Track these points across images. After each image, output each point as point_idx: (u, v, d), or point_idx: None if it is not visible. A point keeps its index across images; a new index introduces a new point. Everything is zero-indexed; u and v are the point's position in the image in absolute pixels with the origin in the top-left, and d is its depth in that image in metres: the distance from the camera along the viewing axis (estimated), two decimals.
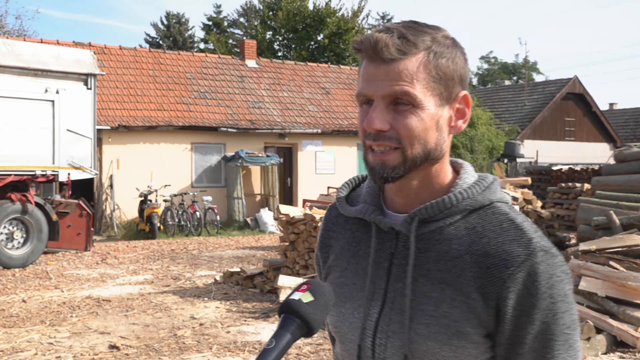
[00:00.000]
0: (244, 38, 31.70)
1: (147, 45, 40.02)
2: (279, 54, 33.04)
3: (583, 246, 7.44)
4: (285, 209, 9.33)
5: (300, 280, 7.68)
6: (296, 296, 1.08)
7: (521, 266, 1.14)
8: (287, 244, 8.91)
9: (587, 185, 13.80)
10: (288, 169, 20.84)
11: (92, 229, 12.99)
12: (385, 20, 45.28)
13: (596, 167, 17.34)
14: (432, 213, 1.21)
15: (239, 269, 9.48)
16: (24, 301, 8.48)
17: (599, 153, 32.62)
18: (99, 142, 16.43)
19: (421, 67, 1.16)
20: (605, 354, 5.85)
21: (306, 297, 1.08)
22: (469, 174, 1.26)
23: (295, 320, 1.06)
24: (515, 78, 55.60)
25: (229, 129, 19.20)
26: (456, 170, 1.29)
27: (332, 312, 1.30)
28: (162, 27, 41.94)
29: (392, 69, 1.15)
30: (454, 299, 1.17)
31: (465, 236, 1.20)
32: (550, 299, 1.15)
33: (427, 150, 1.19)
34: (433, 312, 1.18)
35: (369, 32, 1.19)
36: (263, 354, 1.03)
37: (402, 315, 1.20)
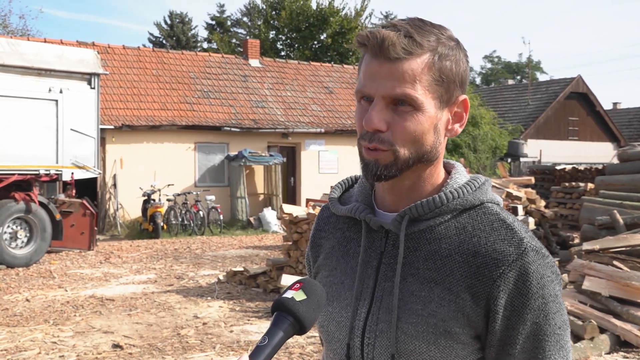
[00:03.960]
0: (247, 37, 31.64)
1: (151, 45, 40.04)
2: (282, 53, 33.03)
3: (586, 246, 7.43)
4: (288, 208, 9.33)
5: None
6: (289, 294, 1.08)
7: (512, 265, 1.14)
8: (290, 243, 8.92)
9: (590, 185, 13.77)
10: (291, 169, 20.84)
11: (95, 228, 13.01)
12: (388, 20, 45.20)
13: (600, 167, 17.30)
14: (422, 212, 1.20)
15: (242, 269, 9.48)
16: (27, 300, 8.49)
17: (602, 152, 32.56)
18: (102, 142, 16.47)
19: (425, 69, 1.15)
20: (609, 353, 5.84)
21: (299, 296, 1.08)
22: (461, 174, 1.26)
23: (287, 319, 1.06)
24: (518, 77, 55.48)
25: (232, 129, 19.21)
26: (448, 170, 1.28)
27: None
28: (165, 26, 41.95)
29: (397, 69, 1.14)
30: (442, 298, 1.16)
31: (455, 236, 1.19)
32: (542, 299, 1.14)
33: (422, 152, 1.18)
34: (421, 311, 1.17)
35: (374, 27, 1.18)
36: (256, 351, 1.03)
37: (390, 315, 1.19)
